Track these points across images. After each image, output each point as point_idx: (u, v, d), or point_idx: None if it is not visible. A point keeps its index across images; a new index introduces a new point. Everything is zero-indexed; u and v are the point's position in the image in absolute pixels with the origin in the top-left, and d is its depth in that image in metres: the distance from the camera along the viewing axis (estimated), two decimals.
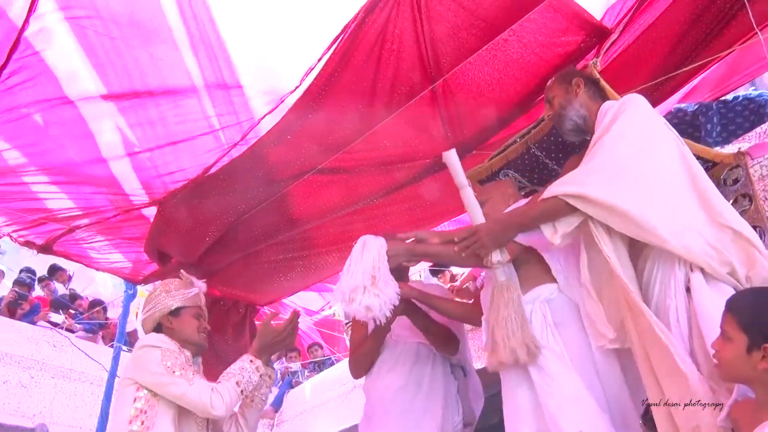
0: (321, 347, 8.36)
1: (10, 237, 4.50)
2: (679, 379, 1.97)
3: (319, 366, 8.28)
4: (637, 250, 2.29)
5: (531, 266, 2.60)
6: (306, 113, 3.05)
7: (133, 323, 6.55)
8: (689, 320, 2.09)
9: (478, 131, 3.46)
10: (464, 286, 5.38)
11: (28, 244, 4.61)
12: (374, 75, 2.94)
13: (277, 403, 7.66)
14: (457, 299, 3.51)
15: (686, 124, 4.24)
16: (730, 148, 4.57)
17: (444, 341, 3.15)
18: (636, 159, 2.25)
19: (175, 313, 2.81)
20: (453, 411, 3.08)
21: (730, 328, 1.81)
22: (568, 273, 2.51)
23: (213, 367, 4.95)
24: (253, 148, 3.26)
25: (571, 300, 2.50)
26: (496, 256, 2.49)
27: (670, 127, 2.44)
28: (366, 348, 3.22)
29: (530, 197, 2.89)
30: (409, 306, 3.01)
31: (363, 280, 2.53)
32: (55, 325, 6.98)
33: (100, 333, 7.37)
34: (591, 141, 2.47)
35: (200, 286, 2.96)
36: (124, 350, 5.02)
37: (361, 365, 3.26)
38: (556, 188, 2.33)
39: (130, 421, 2.48)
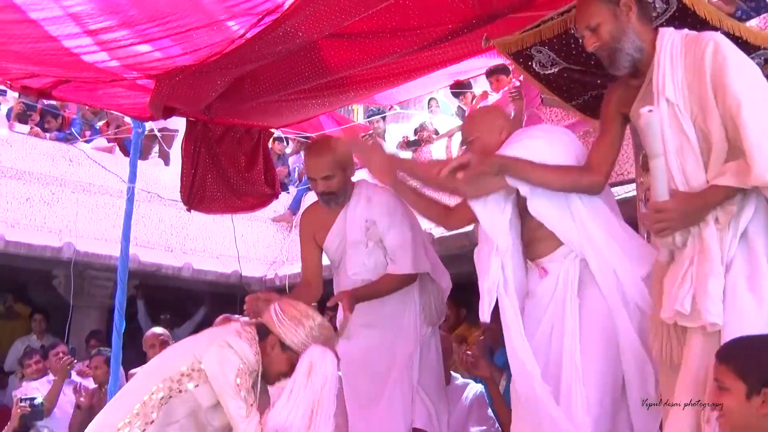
0: None
1: (6, 85, 4.33)
2: None
3: None
4: None
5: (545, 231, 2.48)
6: None
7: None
8: None
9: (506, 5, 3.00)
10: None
11: (25, 89, 4.43)
12: None
13: (295, 206, 7.74)
14: None
15: None
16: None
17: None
18: None
19: (285, 347, 2.55)
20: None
21: (726, 378, 1.79)
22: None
23: (222, 192, 5.03)
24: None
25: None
26: (679, 237, 2.11)
27: None
28: None
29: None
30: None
31: (301, 420, 2.34)
32: (69, 140, 6.88)
33: (116, 145, 7.29)
34: (695, 87, 2.06)
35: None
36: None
37: None
38: (740, 177, 1.94)
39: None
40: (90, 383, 5.51)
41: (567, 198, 2.46)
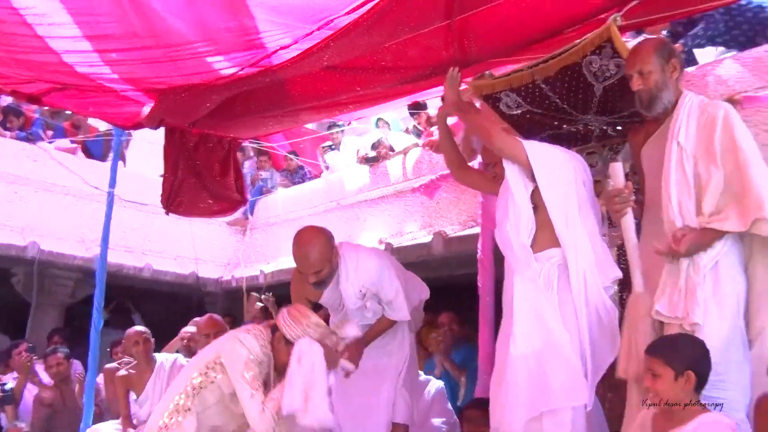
0: (297, 155, 8.55)
1: None
2: None
3: (291, 174, 8.55)
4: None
5: (545, 229, 2.93)
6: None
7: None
8: None
9: (484, 53, 3.48)
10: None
11: (15, 94, 4.61)
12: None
13: (249, 210, 7.99)
14: None
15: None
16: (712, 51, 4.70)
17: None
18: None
19: (287, 341, 2.96)
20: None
21: (657, 367, 2.36)
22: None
23: (200, 197, 5.33)
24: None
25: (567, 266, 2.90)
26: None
27: None
28: None
29: None
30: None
31: (299, 401, 2.78)
32: (33, 140, 6.99)
33: (79, 146, 7.42)
34: (703, 139, 2.61)
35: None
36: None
37: None
38: (740, 220, 2.48)
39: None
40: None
41: (566, 200, 2.95)
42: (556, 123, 3.67)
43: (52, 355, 5.50)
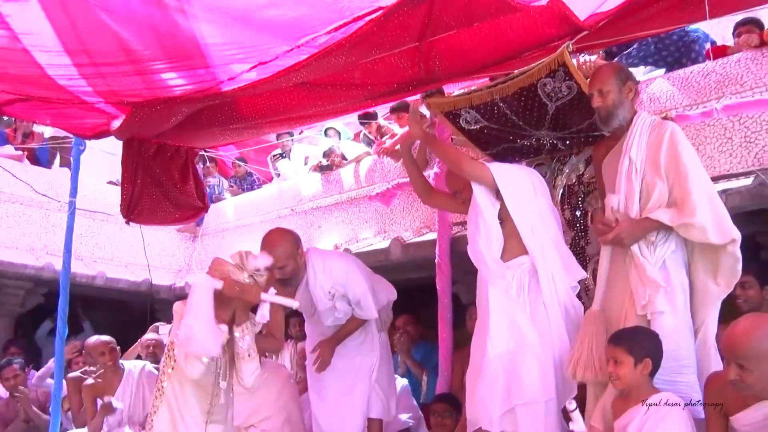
0: (245, 161, 8.66)
1: None
2: None
3: (240, 181, 8.66)
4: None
5: (513, 238, 3.27)
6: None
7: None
8: None
9: (448, 72, 3.78)
10: (396, 147, 5.83)
11: None
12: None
13: (199, 219, 8.07)
14: None
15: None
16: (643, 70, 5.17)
17: None
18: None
19: None
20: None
21: (619, 355, 2.75)
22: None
23: (161, 206, 5.41)
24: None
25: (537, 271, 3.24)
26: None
27: None
28: None
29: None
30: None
31: (182, 334, 2.92)
32: None
33: (24, 154, 7.35)
34: (651, 154, 2.98)
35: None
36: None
37: None
38: (673, 217, 2.85)
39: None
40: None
41: (529, 211, 3.29)
42: (511, 137, 4.00)
43: (8, 367, 5.48)
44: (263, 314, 3.07)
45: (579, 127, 3.79)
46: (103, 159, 8.97)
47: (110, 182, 8.30)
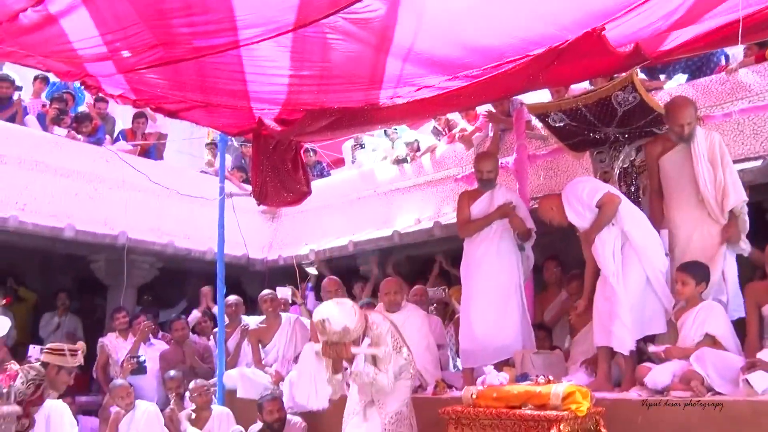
0: (315, 152, 9.92)
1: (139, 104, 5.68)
2: None
3: (311, 169, 9.93)
4: None
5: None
6: None
7: None
8: None
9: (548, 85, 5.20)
10: (474, 135, 7.21)
11: (159, 109, 5.82)
12: None
13: None
14: None
15: None
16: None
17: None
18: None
19: None
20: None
21: (686, 278, 4.26)
22: None
23: (278, 191, 6.67)
24: None
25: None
26: None
27: None
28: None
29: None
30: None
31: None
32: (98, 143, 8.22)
33: (138, 149, 8.69)
34: (706, 156, 4.59)
35: None
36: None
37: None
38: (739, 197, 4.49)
39: None
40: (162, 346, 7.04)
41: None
42: (585, 132, 5.43)
43: (177, 321, 6.83)
44: (357, 363, 3.78)
45: (637, 124, 5.22)
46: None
47: (203, 171, 9.62)
